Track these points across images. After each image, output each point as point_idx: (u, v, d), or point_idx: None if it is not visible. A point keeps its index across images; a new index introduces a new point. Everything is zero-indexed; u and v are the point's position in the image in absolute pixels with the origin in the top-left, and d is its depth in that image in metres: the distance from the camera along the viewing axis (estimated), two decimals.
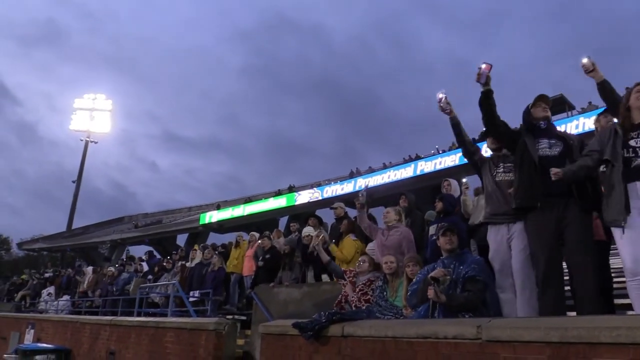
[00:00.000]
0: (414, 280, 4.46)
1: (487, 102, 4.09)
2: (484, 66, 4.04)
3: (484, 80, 4.05)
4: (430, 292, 4.04)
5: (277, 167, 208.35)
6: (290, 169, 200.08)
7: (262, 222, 35.93)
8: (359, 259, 5.58)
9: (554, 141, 4.01)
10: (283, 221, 36.30)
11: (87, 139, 61.78)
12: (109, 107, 62.78)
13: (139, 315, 10.25)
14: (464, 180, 6.26)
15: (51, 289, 17.50)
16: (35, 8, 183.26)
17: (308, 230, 8.32)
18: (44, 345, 11.64)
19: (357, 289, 5.26)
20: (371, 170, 35.21)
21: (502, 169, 4.35)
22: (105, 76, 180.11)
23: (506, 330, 2.97)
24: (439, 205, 5.72)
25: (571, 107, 27.06)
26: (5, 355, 13.42)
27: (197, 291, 10.16)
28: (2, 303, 20.89)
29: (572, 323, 2.72)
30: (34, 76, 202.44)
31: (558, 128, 4.40)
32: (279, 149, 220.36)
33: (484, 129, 4.41)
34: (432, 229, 5.71)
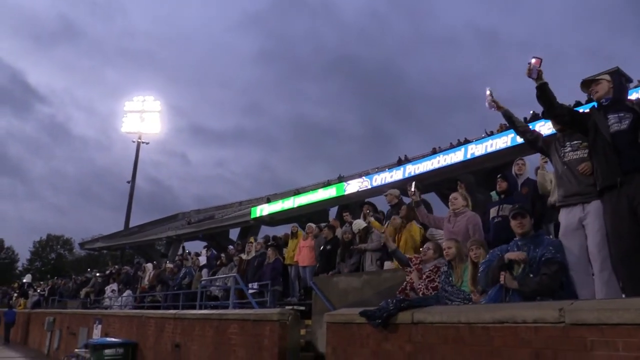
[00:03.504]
0: (481, 263, 4.32)
1: (544, 96, 3.98)
2: (533, 61, 3.93)
3: (536, 75, 3.94)
4: (502, 278, 3.92)
5: (307, 153, 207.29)
6: (320, 153, 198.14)
7: (313, 214, 36.17)
8: (424, 246, 5.46)
9: (622, 114, 3.79)
10: (333, 211, 36.48)
11: (139, 140, 63.68)
12: (157, 108, 64.49)
13: (200, 308, 10.47)
14: None
15: (114, 286, 18.15)
16: (43, 5, 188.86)
17: (359, 223, 8.22)
18: (112, 339, 12.03)
19: (424, 276, 5.16)
20: (420, 157, 34.77)
21: (569, 148, 4.14)
22: (125, 71, 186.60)
23: (592, 312, 2.82)
24: (504, 185, 5.47)
25: (628, 80, 25.77)
26: (76, 350, 14.02)
27: (256, 283, 10.28)
28: (69, 301, 21.83)
29: None
30: (56, 73, 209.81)
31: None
32: (305, 134, 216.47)
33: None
34: (492, 212, 5.51)
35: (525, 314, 3.21)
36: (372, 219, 7.78)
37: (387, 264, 7.27)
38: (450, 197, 5.58)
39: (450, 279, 4.83)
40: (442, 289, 4.84)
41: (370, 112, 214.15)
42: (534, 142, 4.42)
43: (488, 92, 4.41)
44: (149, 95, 65.07)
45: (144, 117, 63.39)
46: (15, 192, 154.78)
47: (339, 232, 9.22)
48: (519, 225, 4.17)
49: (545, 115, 4.13)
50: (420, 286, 5.17)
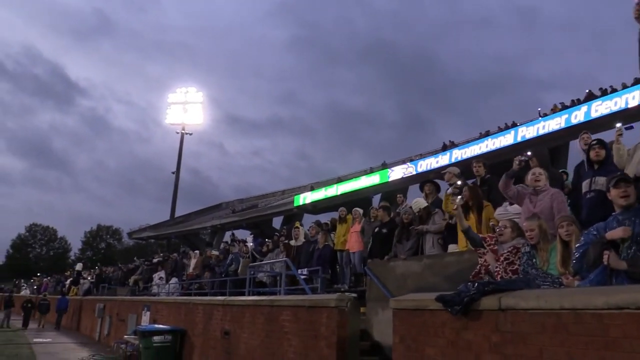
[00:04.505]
0: (578, 243, 3.72)
1: None
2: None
3: None
4: (606, 258, 3.33)
5: (344, 141, 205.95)
6: (357, 141, 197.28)
7: (356, 201, 35.62)
8: (500, 225, 4.85)
9: None
10: (376, 199, 35.84)
11: (183, 131, 64.40)
12: (200, 99, 65.08)
13: (249, 294, 10.17)
14: (617, 125, 5.28)
15: (162, 273, 18.21)
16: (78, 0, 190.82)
17: (419, 202, 7.67)
18: (160, 326, 11.94)
19: (502, 258, 4.58)
20: (465, 141, 33.70)
21: None
22: (160, 64, 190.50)
23: None
24: (602, 152, 4.76)
25: None
26: (125, 336, 14.09)
27: (305, 269, 9.91)
28: (119, 288, 22.15)
29: None
30: (94, 67, 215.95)
31: None
32: (341, 121, 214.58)
33: None
34: (584, 185, 4.84)
35: None
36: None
37: (452, 247, 6.71)
38: (533, 172, 4.93)
39: (534, 260, 4.25)
40: (524, 272, 4.27)
41: (406, 97, 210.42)
42: None
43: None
44: (191, 87, 65.80)
45: (186, 108, 64.08)
46: (62, 185, 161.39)
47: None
48: (622, 194, 3.54)
49: None
50: (498, 269, 4.60)
